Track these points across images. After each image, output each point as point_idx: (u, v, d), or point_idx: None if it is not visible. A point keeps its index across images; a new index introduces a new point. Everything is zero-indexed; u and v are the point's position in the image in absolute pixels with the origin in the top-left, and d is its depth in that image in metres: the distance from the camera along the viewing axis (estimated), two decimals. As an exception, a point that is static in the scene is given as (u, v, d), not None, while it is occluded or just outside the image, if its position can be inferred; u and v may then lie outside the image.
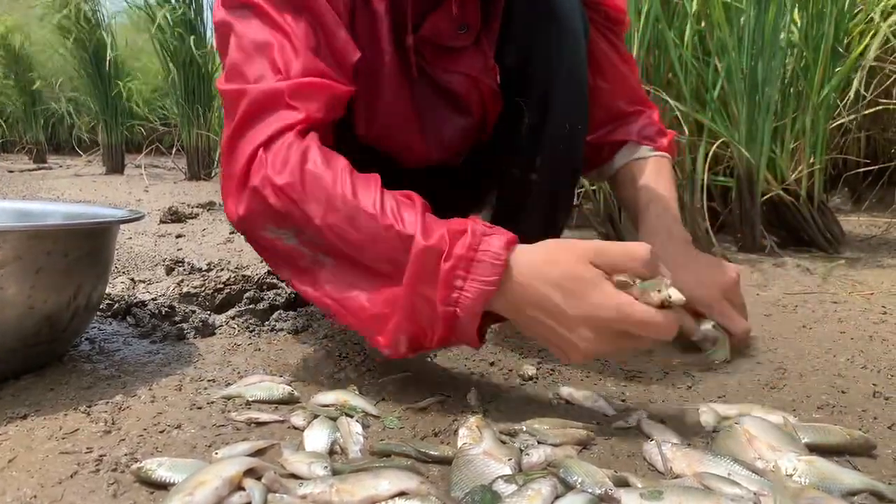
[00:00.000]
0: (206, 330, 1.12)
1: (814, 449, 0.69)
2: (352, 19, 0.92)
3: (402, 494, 0.59)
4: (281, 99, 0.80)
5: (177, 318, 1.15)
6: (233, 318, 1.17)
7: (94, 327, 1.13)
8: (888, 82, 2.21)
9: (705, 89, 1.89)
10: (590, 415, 0.80)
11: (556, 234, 1.15)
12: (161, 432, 0.74)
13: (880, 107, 2.20)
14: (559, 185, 1.09)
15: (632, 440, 0.73)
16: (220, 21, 0.87)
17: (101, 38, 4.89)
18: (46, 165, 5.76)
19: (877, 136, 2.55)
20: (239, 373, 0.94)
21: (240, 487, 0.60)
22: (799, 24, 1.82)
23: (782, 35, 1.75)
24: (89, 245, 0.92)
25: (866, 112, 2.17)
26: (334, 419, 0.76)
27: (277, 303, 1.23)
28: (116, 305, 1.20)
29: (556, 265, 0.71)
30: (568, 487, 0.60)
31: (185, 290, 1.27)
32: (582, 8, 1.06)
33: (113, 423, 0.76)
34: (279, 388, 0.84)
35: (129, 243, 2.04)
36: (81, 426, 0.75)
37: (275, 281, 1.35)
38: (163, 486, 0.62)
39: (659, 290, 0.67)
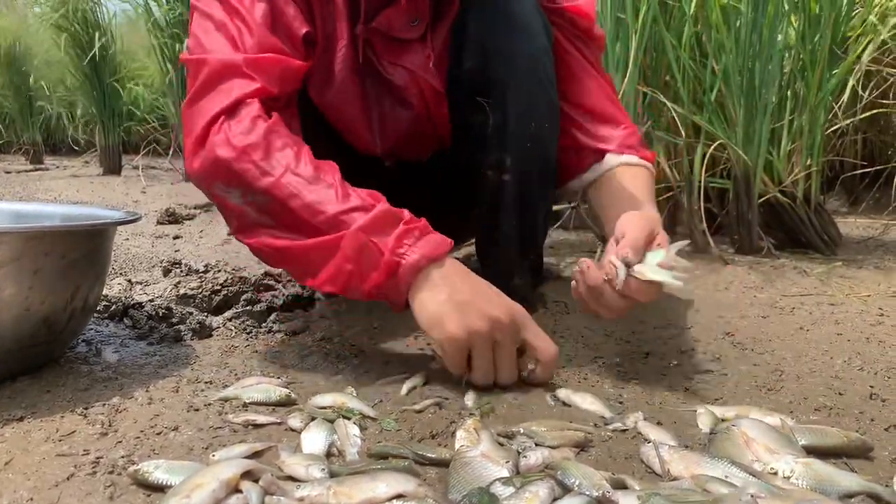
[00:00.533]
0: (204, 332, 1.12)
1: (811, 451, 0.69)
2: (310, 5, 1.00)
3: (399, 497, 0.58)
4: (238, 69, 0.90)
5: (174, 320, 1.15)
6: (230, 320, 1.17)
7: (91, 329, 1.13)
8: (885, 85, 2.22)
9: (702, 91, 1.89)
10: (587, 417, 0.80)
11: (535, 237, 1.16)
12: (158, 434, 0.74)
13: (877, 109, 2.20)
14: (532, 186, 1.10)
15: (629, 442, 0.73)
16: (191, 4, 0.98)
17: (99, 38, 4.88)
18: (43, 166, 5.74)
19: (874, 138, 2.55)
20: (236, 375, 0.94)
21: (237, 490, 0.59)
22: (796, 27, 1.82)
23: (780, 37, 1.75)
24: (86, 246, 0.92)
25: (863, 115, 2.18)
26: (332, 421, 0.76)
27: (275, 304, 1.23)
28: (114, 307, 1.20)
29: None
30: (565, 490, 0.60)
31: (182, 291, 1.27)
32: (541, 11, 1.07)
33: (110, 425, 0.75)
34: (276, 390, 0.84)
35: (127, 244, 2.03)
36: (78, 428, 0.75)
37: (272, 283, 1.35)
38: (160, 489, 0.62)
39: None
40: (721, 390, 0.89)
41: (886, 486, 0.63)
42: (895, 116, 2.41)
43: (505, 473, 0.63)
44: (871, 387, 0.89)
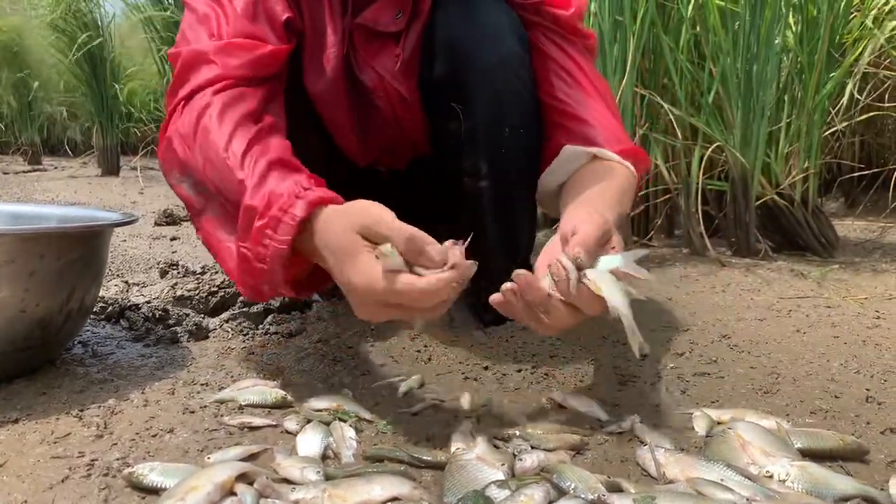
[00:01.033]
0: (200, 333, 1.12)
1: (807, 454, 0.69)
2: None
3: (394, 500, 0.59)
4: (205, 57, 0.91)
5: (170, 322, 1.15)
6: (227, 322, 1.17)
7: (88, 330, 1.12)
8: (882, 87, 2.22)
9: (700, 93, 1.89)
10: (583, 420, 0.80)
11: (518, 241, 1.14)
12: (153, 437, 0.74)
13: (874, 112, 2.20)
14: (511, 191, 1.07)
15: (625, 445, 0.73)
16: (183, 0, 1.00)
17: (97, 39, 4.88)
18: (41, 167, 5.74)
19: (871, 140, 2.56)
20: (232, 377, 0.93)
21: (232, 492, 0.59)
22: (794, 29, 1.83)
23: (777, 39, 1.75)
24: (83, 248, 0.91)
25: (860, 117, 2.18)
26: (327, 424, 0.76)
27: (271, 306, 1.23)
28: (110, 308, 1.20)
29: (330, 233, 0.74)
30: (561, 493, 0.60)
31: (179, 293, 1.26)
32: (512, 14, 1.04)
33: (105, 428, 0.75)
34: (272, 393, 0.84)
35: (124, 246, 2.03)
36: (73, 430, 0.74)
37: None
38: (154, 491, 0.62)
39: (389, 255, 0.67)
40: (717, 393, 0.89)
41: (882, 489, 0.63)
42: (892, 119, 2.42)
43: (500, 476, 0.63)
44: (868, 390, 0.89)
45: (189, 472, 0.62)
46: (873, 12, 1.90)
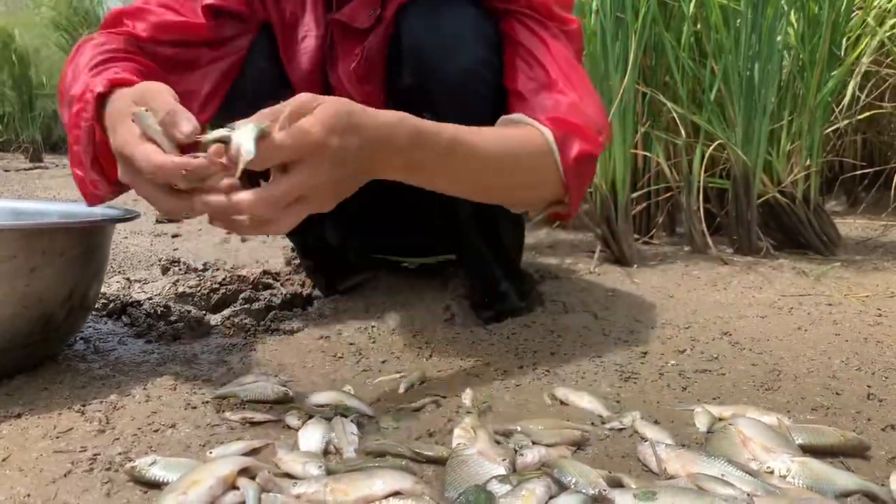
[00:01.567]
0: (202, 330, 1.12)
1: (808, 450, 0.69)
2: None
3: (396, 494, 0.59)
4: (119, 17, 1.00)
5: (172, 318, 1.15)
6: (228, 318, 1.17)
7: (90, 326, 1.13)
8: (884, 86, 2.22)
9: (702, 91, 1.89)
10: (584, 415, 0.80)
11: (500, 243, 1.14)
12: (155, 431, 0.74)
13: (876, 110, 2.20)
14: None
15: (626, 441, 0.74)
16: None
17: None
18: (42, 165, 5.73)
19: (873, 138, 2.55)
20: (234, 372, 0.94)
21: (234, 487, 0.60)
22: (796, 27, 1.82)
23: (779, 37, 1.75)
24: (84, 244, 0.92)
25: (862, 116, 2.18)
26: (329, 419, 0.76)
27: (273, 303, 1.23)
28: (112, 305, 1.20)
29: (115, 107, 0.78)
30: (562, 488, 0.60)
31: (180, 289, 1.27)
32: (480, 18, 1.02)
33: (107, 423, 0.75)
34: (274, 388, 0.84)
35: (125, 242, 2.03)
36: (76, 425, 0.75)
37: (270, 281, 1.35)
38: (156, 486, 0.62)
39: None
40: (718, 389, 0.89)
41: (883, 485, 0.63)
42: (894, 118, 2.41)
43: (502, 471, 0.63)
44: (869, 387, 0.89)
45: (191, 467, 0.63)
46: (875, 10, 1.90)
